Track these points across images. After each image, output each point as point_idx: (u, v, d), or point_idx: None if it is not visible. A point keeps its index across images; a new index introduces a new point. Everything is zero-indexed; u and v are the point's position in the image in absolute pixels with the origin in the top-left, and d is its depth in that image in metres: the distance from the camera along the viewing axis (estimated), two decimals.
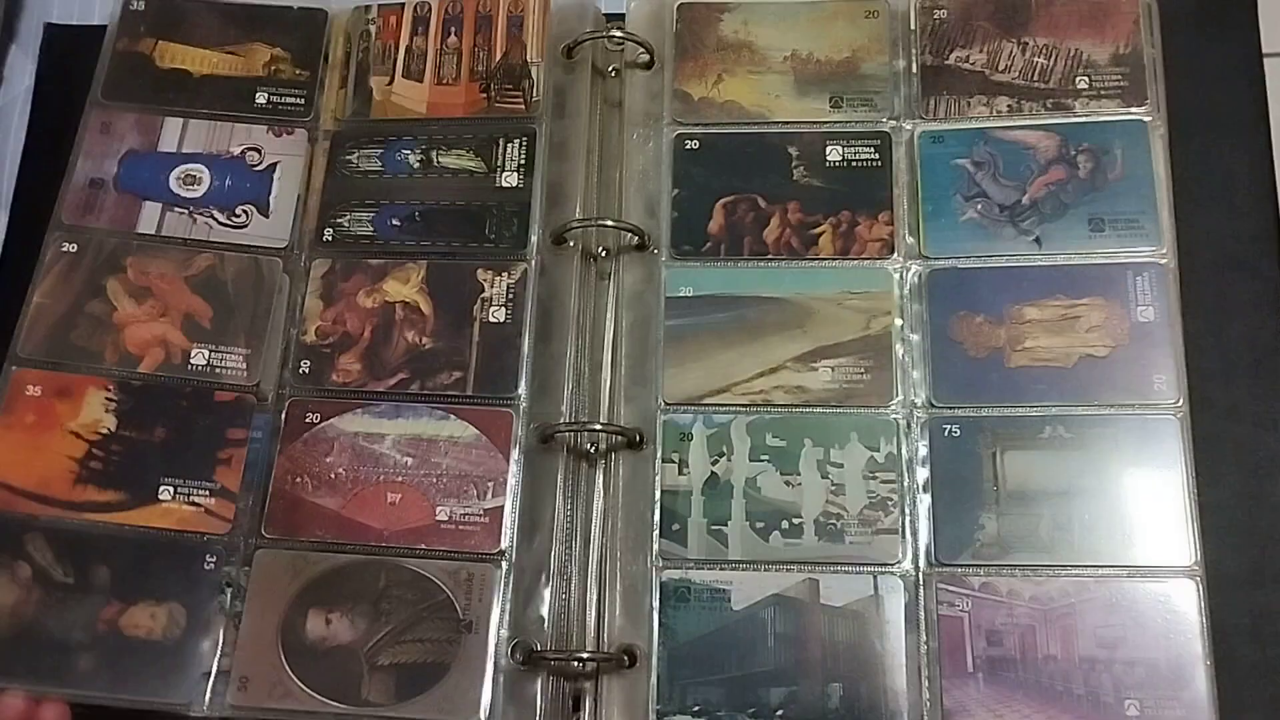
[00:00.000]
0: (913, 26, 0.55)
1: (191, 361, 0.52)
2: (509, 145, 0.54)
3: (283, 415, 0.51)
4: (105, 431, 0.51)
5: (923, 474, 0.49)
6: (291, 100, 0.57)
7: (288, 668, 0.47)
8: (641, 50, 0.56)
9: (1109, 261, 0.51)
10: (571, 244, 0.53)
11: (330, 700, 0.47)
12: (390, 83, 0.56)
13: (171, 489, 0.50)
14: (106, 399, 0.51)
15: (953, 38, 0.55)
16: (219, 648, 0.48)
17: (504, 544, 0.49)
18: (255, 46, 0.57)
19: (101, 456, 0.50)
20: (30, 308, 0.52)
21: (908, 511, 0.48)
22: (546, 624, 0.48)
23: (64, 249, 0.54)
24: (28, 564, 0.48)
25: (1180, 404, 0.49)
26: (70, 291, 0.53)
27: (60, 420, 0.51)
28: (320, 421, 0.51)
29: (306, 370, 0.52)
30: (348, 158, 0.55)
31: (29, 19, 0.62)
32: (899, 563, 0.48)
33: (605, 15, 0.58)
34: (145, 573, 0.48)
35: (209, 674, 0.47)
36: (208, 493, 0.50)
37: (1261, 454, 0.50)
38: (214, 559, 0.49)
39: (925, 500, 0.49)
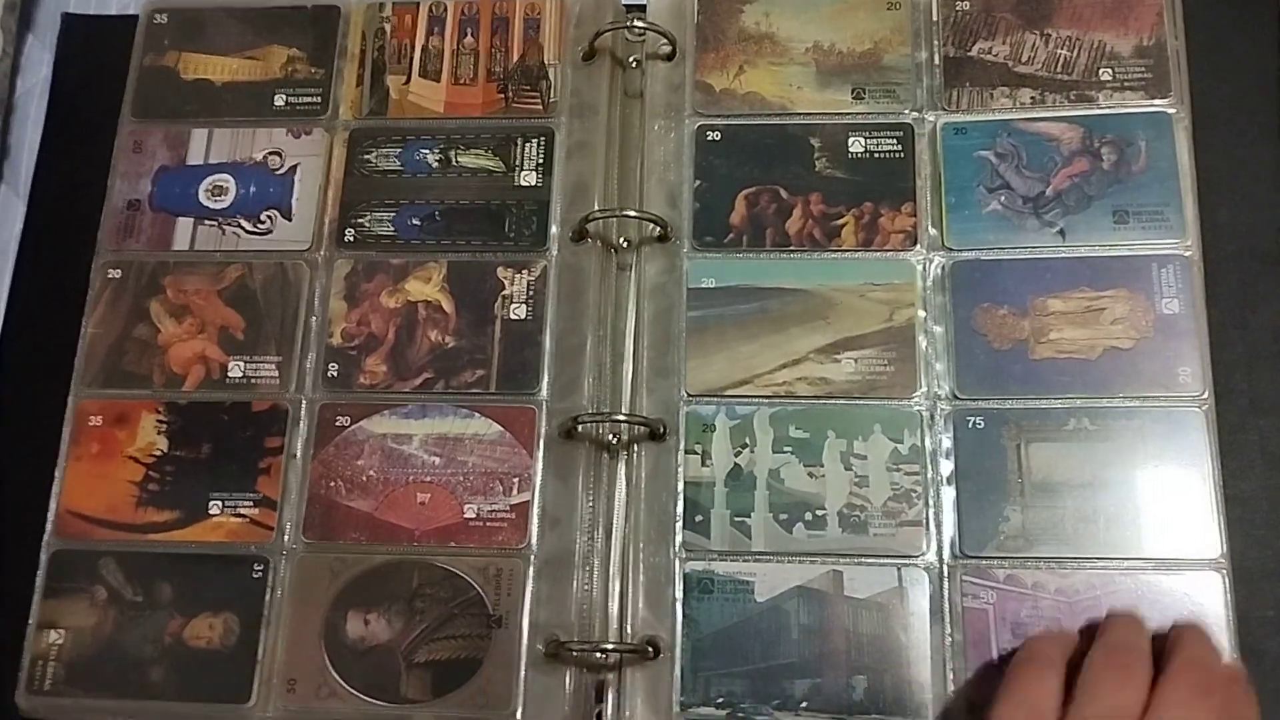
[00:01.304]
0: (935, 18, 0.58)
1: (229, 375, 0.56)
2: (527, 145, 0.58)
3: (314, 420, 0.54)
4: (159, 454, 0.55)
5: (946, 466, 0.51)
6: (308, 99, 0.60)
7: (331, 668, 0.51)
8: (663, 41, 0.58)
9: (1133, 254, 0.53)
10: (592, 239, 0.56)
11: (372, 699, 0.51)
12: (407, 82, 0.60)
13: (220, 503, 0.54)
14: (158, 421, 0.55)
15: (975, 29, 0.57)
16: (270, 652, 0.52)
17: (530, 538, 0.52)
18: (272, 49, 0.61)
19: (157, 478, 0.54)
20: (85, 338, 0.56)
21: (931, 504, 0.51)
22: (571, 615, 0.51)
23: (110, 275, 0.57)
24: (104, 587, 0.53)
25: (1205, 396, 0.51)
26: (119, 318, 0.57)
27: (120, 447, 0.55)
28: (350, 425, 0.54)
29: (335, 374, 0.55)
30: (366, 157, 0.58)
31: (46, 8, 0.65)
32: (923, 555, 0.50)
33: (626, 6, 0.61)
34: (202, 586, 0.53)
35: (264, 678, 0.51)
36: (251, 503, 0.54)
37: None
38: (261, 567, 0.52)
39: (949, 492, 0.51)
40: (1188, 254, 0.53)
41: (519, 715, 0.50)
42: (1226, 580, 0.49)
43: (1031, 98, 0.56)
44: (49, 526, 0.54)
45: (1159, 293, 0.53)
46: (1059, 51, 0.57)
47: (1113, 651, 0.44)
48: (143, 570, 0.53)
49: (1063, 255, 0.54)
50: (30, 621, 0.53)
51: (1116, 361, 0.52)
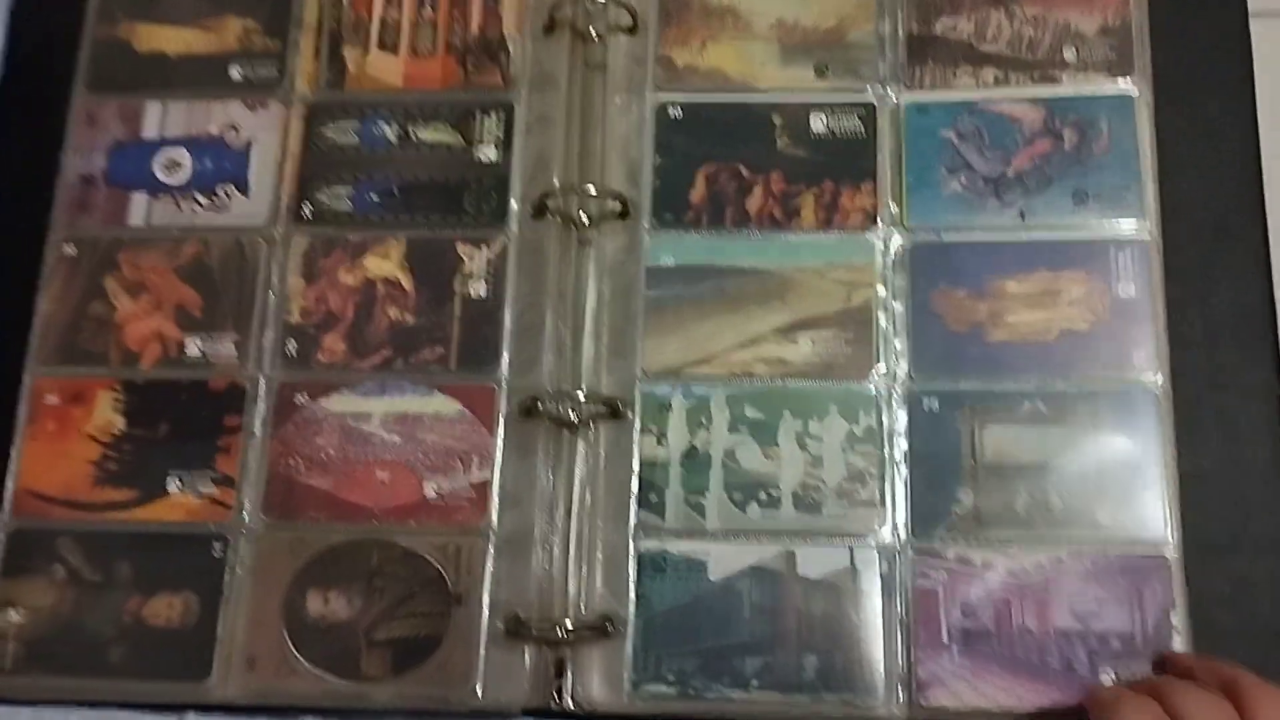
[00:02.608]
0: None
1: (186, 353, 0.57)
2: (487, 119, 0.59)
3: (273, 398, 0.56)
4: (117, 432, 0.56)
5: (901, 447, 0.53)
6: (264, 71, 0.61)
7: (291, 646, 0.53)
8: (625, 13, 0.59)
9: (1092, 236, 0.55)
10: (552, 216, 0.57)
11: (332, 676, 0.53)
12: (365, 54, 0.61)
13: (179, 481, 0.56)
14: (114, 399, 0.57)
15: (940, 5, 0.59)
16: (230, 630, 0.54)
17: (490, 517, 0.54)
18: (227, 20, 0.62)
19: (115, 457, 0.56)
20: (40, 316, 0.58)
21: (885, 484, 0.53)
22: (531, 593, 0.53)
23: (65, 252, 0.59)
24: (62, 566, 0.55)
25: (1160, 379, 0.53)
26: (74, 295, 0.58)
27: (77, 425, 0.57)
28: (309, 403, 0.56)
29: (293, 352, 0.57)
30: (323, 131, 0.60)
31: None
32: (876, 535, 0.53)
33: None
34: (161, 565, 0.54)
35: (224, 656, 0.53)
36: (210, 482, 0.55)
37: (1243, 421, 0.53)
38: (220, 546, 0.54)
39: (903, 473, 0.53)
40: (1147, 238, 0.55)
41: (479, 692, 0.52)
42: (1177, 561, 0.51)
43: (995, 77, 0.57)
44: (6, 506, 0.56)
45: (1116, 276, 0.54)
46: (1024, 30, 0.58)
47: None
48: (101, 549, 0.55)
49: (1021, 237, 0.55)
50: None
51: (1072, 344, 0.54)
